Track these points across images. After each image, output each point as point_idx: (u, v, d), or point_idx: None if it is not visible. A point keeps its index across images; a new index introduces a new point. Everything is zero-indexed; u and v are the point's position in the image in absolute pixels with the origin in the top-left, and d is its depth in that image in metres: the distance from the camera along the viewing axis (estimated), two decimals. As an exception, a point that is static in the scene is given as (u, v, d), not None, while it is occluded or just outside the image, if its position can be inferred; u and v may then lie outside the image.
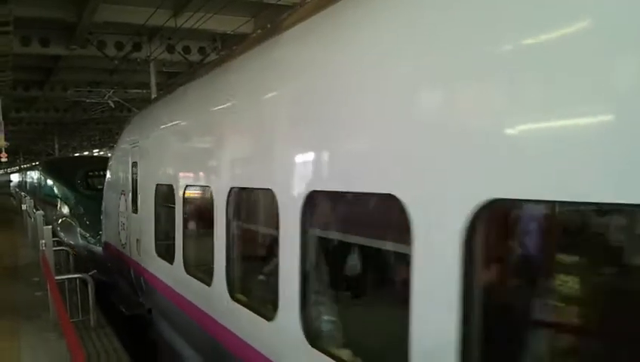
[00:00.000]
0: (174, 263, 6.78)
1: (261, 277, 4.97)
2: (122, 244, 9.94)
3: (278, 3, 15.33)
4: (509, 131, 2.32)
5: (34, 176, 38.60)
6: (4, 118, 23.72)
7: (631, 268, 2.31)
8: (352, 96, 3.42)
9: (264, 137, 4.70)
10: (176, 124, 7.55)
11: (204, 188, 6.09)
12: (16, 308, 9.78)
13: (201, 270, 5.98)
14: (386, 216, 3.45)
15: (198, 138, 6.60)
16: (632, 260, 2.34)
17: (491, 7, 2.46)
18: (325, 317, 3.94)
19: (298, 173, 4.02)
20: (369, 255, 3.90)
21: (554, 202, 2.28)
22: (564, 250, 2.56)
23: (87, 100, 25.92)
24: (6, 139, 23.76)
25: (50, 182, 26.63)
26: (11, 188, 64.68)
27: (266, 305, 4.51)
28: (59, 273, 10.33)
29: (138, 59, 20.63)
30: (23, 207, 23.09)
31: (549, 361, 2.61)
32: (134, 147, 9.47)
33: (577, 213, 2.40)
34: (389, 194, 2.91)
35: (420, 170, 2.78)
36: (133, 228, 9.15)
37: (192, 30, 17.15)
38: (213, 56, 19.59)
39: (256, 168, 4.81)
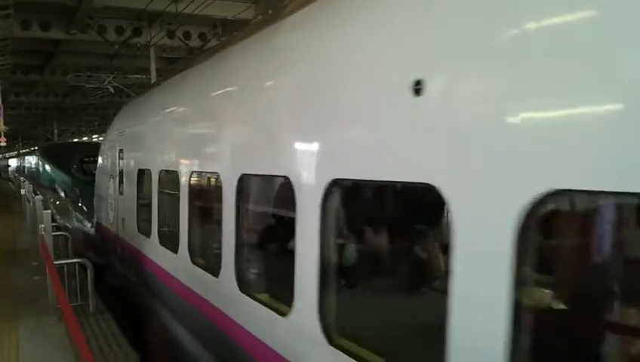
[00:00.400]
0: (151, 237, 7.94)
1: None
2: (111, 223, 11.11)
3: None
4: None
5: (32, 161, 40.19)
6: (3, 102, 23.64)
7: None
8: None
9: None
10: (153, 117, 8.89)
11: (174, 171, 6.93)
12: (15, 292, 9.78)
13: (171, 241, 7.03)
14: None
15: (171, 129, 7.63)
16: None
17: None
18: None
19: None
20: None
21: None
22: None
23: (87, 85, 25.85)
24: (5, 124, 23.70)
25: (47, 167, 27.86)
26: (10, 173, 65.15)
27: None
28: (58, 258, 10.31)
29: (138, 45, 20.56)
30: (22, 191, 23.07)
31: None
32: (121, 135, 10.67)
33: None
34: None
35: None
36: (120, 208, 10.25)
37: (192, 15, 17.07)
38: (213, 42, 19.51)
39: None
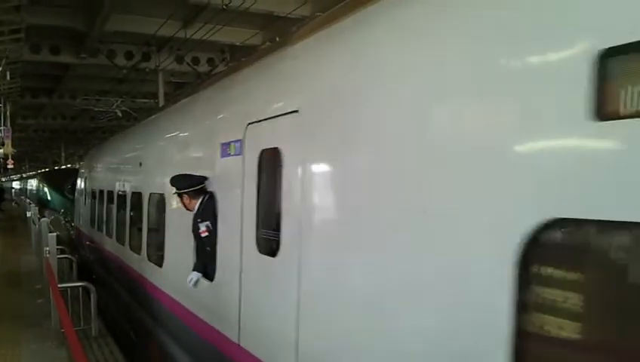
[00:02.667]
0: (95, 227, 13.72)
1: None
2: (80, 224, 17.83)
3: (288, 16, 15.38)
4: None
5: (33, 183, 52.29)
6: (11, 125, 23.80)
7: None
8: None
9: None
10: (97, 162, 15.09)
11: (110, 190, 11.85)
12: (17, 315, 9.72)
13: (101, 226, 12.73)
14: None
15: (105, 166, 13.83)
16: None
17: None
18: None
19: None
20: None
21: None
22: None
23: (95, 109, 26.02)
24: (13, 146, 23.86)
25: (45, 189, 38.56)
26: (13, 194, 69.60)
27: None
28: (61, 281, 10.27)
29: (147, 69, 20.72)
30: (28, 214, 23.19)
31: None
32: (85, 170, 17.67)
33: None
34: None
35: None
36: (83, 213, 16.67)
37: (201, 41, 17.22)
38: (221, 67, 19.66)
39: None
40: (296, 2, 14.93)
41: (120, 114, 25.46)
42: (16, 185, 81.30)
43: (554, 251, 2.32)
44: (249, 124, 4.73)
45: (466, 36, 2.70)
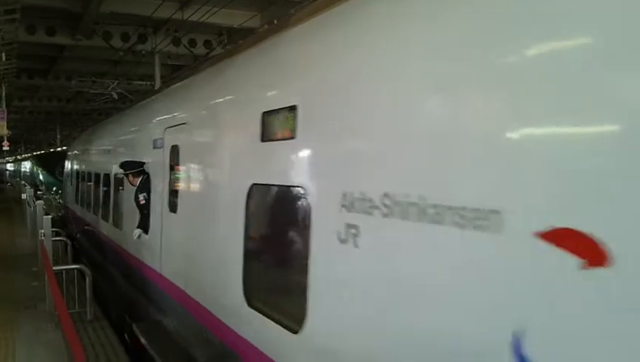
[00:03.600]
0: (78, 202, 16.27)
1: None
2: (66, 201, 21.11)
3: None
4: None
5: (27, 166, 58.89)
6: (7, 106, 23.67)
7: None
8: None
9: None
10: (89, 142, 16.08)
11: (87, 172, 14.76)
12: (13, 298, 9.70)
13: (84, 202, 15.05)
14: None
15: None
16: None
17: None
18: None
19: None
20: None
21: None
22: None
23: (91, 91, 25.80)
24: (8, 128, 23.75)
25: (37, 170, 44.12)
26: (7, 176, 72.32)
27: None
28: (57, 263, 10.23)
29: (143, 51, 20.54)
30: (23, 196, 23.17)
31: None
32: (71, 155, 20.25)
33: None
34: None
35: None
36: (69, 192, 19.84)
37: (198, 23, 17.06)
38: (218, 50, 19.50)
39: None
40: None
41: (116, 96, 25.24)
42: (10, 167, 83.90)
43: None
44: (166, 128, 7.26)
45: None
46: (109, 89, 24.41)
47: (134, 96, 23.37)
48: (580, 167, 1.97)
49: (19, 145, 74.80)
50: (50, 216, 10.57)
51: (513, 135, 2.26)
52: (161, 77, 21.63)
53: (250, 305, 4.46)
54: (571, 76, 2.04)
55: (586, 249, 1.88)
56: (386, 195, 2.85)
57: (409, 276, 2.73)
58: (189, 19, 17.01)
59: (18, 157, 78.97)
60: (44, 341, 7.54)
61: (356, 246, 3.06)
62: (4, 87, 23.65)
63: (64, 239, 13.64)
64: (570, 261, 1.93)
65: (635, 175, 1.79)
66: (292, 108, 3.86)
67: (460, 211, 2.39)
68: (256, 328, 4.34)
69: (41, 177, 40.17)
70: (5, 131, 23.65)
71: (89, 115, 40.39)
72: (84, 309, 9.51)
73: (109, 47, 20.06)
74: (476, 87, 2.47)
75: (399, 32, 3.04)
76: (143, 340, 6.66)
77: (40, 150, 64.28)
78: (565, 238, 1.95)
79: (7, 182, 61.04)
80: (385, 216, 2.85)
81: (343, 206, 3.17)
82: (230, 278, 4.78)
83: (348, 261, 3.16)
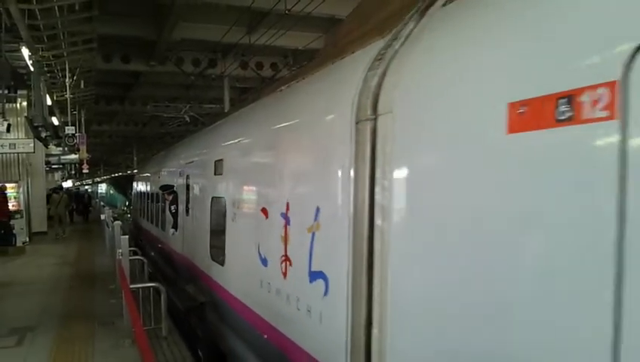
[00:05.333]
0: (142, 216, 19.57)
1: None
2: (134, 215, 24.42)
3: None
4: None
5: (103, 187, 70.75)
6: (86, 131, 24.89)
7: None
8: None
9: None
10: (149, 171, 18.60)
11: (148, 192, 17.81)
12: (91, 314, 10.11)
13: (147, 216, 17.91)
14: None
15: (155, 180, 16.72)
16: None
17: None
18: None
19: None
20: None
21: None
22: None
23: (165, 115, 26.76)
24: (88, 151, 24.96)
25: (112, 191, 54.51)
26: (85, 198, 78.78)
27: None
28: (133, 281, 10.62)
29: (213, 75, 21.18)
30: (102, 216, 24.18)
31: None
32: (136, 178, 23.80)
33: None
34: None
35: None
36: (135, 207, 23.40)
37: (265, 46, 17.47)
38: (284, 72, 19.86)
39: None
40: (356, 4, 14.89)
41: (188, 119, 26.10)
42: (88, 188, 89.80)
43: None
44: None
45: None
46: (182, 112, 25.25)
47: (205, 118, 24.09)
48: None
49: (98, 167, 78.27)
50: (127, 236, 10.96)
51: None
52: (230, 99, 22.21)
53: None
54: None
55: None
56: None
57: None
58: (256, 42, 17.45)
59: (96, 179, 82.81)
60: (120, 356, 7.83)
61: None
62: (83, 113, 24.92)
63: (141, 258, 14.06)
64: None
65: None
66: None
67: None
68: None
69: (115, 196, 50.66)
70: (85, 155, 24.85)
71: (163, 138, 41.89)
72: (160, 326, 9.81)
73: (181, 72, 20.81)
74: None
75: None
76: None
77: (117, 172, 67.50)
78: None
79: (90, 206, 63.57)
80: None
81: None
82: None
83: None
